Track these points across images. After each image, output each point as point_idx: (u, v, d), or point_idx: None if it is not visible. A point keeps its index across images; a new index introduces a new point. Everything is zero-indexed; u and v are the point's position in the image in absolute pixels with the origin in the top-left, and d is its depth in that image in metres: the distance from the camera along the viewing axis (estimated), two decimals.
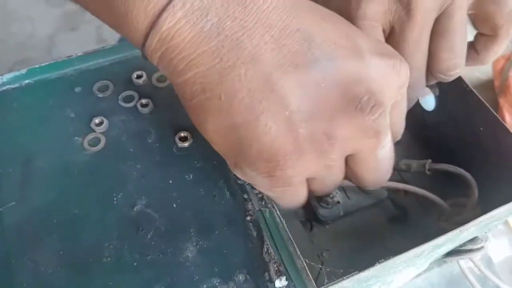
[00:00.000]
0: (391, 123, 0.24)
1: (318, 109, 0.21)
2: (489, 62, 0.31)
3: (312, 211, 0.33)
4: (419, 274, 0.32)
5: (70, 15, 0.98)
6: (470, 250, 0.29)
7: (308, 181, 0.24)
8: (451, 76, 0.29)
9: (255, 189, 0.27)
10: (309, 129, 0.21)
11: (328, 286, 0.22)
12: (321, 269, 0.28)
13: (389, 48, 0.25)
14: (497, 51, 0.30)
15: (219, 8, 0.20)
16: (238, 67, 0.21)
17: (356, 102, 0.21)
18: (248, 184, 0.28)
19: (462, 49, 0.29)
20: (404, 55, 0.28)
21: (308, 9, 0.22)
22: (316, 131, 0.21)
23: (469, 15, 0.29)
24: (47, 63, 0.33)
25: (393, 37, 0.28)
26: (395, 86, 0.23)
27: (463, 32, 0.28)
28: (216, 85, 0.21)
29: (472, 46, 0.30)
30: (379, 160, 0.24)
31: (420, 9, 0.26)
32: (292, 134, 0.21)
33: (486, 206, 0.29)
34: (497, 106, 0.66)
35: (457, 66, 0.29)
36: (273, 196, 0.25)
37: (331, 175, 0.24)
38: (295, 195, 0.24)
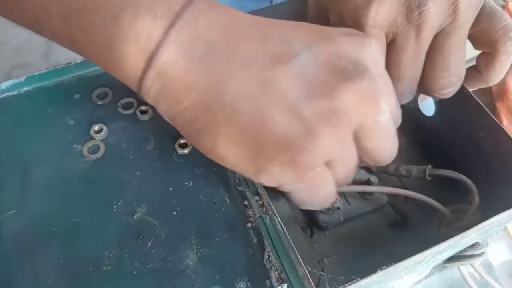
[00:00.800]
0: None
1: (314, 91, 0.23)
2: (493, 81, 0.31)
3: (312, 217, 0.33)
4: (420, 280, 0.32)
5: None
6: (471, 256, 0.29)
7: (330, 168, 0.25)
8: (444, 95, 0.30)
9: (255, 195, 0.27)
10: (313, 109, 0.23)
11: None
12: (321, 275, 0.28)
13: (353, 30, 0.27)
14: (499, 68, 0.30)
15: (204, 36, 0.23)
16: (233, 78, 0.23)
17: (345, 73, 0.23)
18: (249, 190, 0.28)
19: (457, 69, 0.29)
20: (399, 65, 0.28)
21: (269, 21, 0.25)
22: (320, 109, 0.23)
23: (468, 36, 0.29)
24: (45, 70, 0.33)
25: (393, 46, 0.28)
26: (371, 57, 0.25)
27: (460, 52, 0.28)
28: (218, 98, 0.23)
29: (475, 67, 0.31)
30: (383, 126, 0.25)
31: (426, 28, 0.27)
32: (299, 118, 0.23)
33: (487, 211, 0.29)
34: (494, 111, 0.66)
35: (450, 85, 0.29)
36: (305, 190, 0.25)
37: (346, 153, 0.25)
38: (324, 182, 0.25)
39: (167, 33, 0.22)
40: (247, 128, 0.23)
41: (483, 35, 0.29)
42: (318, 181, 0.25)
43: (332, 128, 0.23)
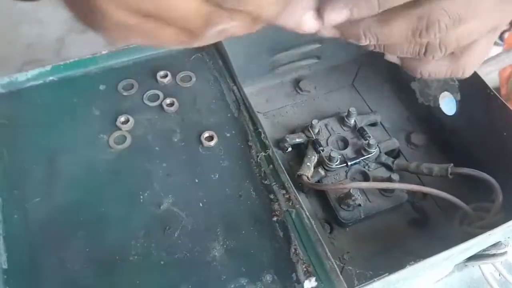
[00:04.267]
0: None
1: None
2: None
3: (332, 213, 0.33)
4: (440, 278, 0.32)
5: None
6: (494, 255, 0.29)
7: None
8: None
9: (282, 189, 0.27)
10: None
11: (362, 287, 0.22)
12: (349, 270, 0.28)
13: None
14: None
15: None
16: None
17: None
18: (275, 184, 0.28)
19: None
20: None
21: None
22: None
23: None
24: (72, 60, 0.33)
25: None
26: None
27: None
28: None
29: None
30: None
31: None
32: None
33: (508, 210, 0.29)
34: None
35: None
36: None
37: None
38: None
39: None
40: None
41: None
42: None
43: None
